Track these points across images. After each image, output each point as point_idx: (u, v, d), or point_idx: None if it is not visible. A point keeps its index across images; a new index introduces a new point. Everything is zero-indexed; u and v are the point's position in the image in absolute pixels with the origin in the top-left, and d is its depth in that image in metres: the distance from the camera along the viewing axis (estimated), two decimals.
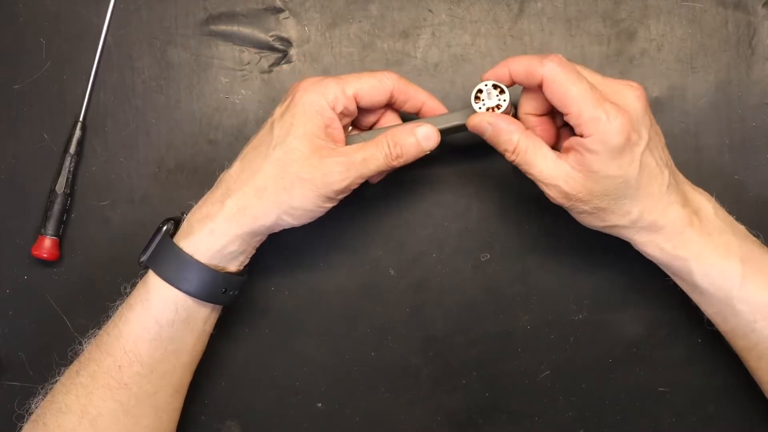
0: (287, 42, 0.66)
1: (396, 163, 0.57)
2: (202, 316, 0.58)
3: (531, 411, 0.66)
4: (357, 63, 0.66)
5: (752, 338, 0.56)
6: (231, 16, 0.66)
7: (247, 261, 0.59)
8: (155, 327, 0.56)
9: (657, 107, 0.65)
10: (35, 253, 0.65)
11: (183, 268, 0.56)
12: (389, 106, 0.60)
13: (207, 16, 0.66)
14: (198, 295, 0.56)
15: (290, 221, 0.57)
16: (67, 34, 0.66)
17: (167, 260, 0.57)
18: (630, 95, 0.53)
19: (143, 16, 0.66)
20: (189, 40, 0.66)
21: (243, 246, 0.57)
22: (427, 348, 0.66)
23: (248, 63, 0.66)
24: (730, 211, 0.58)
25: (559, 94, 0.53)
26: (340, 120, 0.57)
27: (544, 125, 0.58)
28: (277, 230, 0.58)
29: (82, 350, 0.59)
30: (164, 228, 0.58)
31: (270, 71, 0.66)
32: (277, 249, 0.65)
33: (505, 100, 0.57)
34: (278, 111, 0.57)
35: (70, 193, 0.65)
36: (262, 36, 0.66)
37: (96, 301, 0.63)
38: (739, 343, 0.58)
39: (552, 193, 0.55)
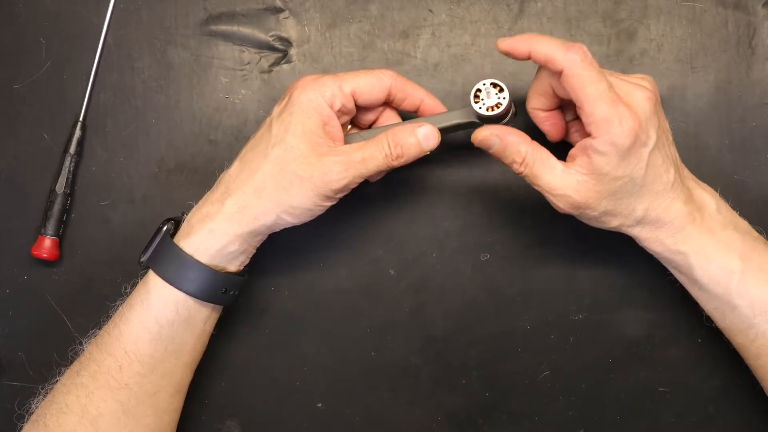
0: (287, 42, 0.66)
1: (396, 163, 0.57)
2: (202, 316, 0.58)
3: (531, 411, 0.66)
4: (357, 63, 0.66)
5: (750, 334, 0.56)
6: (231, 16, 0.66)
7: (247, 261, 0.59)
8: (156, 327, 0.56)
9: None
10: (35, 253, 0.65)
11: (183, 268, 0.56)
12: (388, 104, 0.60)
13: (207, 16, 0.66)
14: (198, 295, 0.56)
15: (290, 220, 0.57)
16: (67, 34, 0.66)
17: (167, 260, 0.57)
18: (640, 96, 0.53)
19: (143, 16, 0.66)
20: (189, 40, 0.66)
21: (243, 246, 0.57)
22: (427, 348, 0.66)
23: (248, 63, 0.66)
24: None
25: (577, 89, 0.52)
26: (339, 118, 0.57)
27: (552, 119, 0.58)
28: (277, 229, 0.58)
29: (83, 350, 0.59)
30: (164, 228, 0.58)
31: (270, 71, 0.66)
32: (277, 249, 0.65)
33: (504, 98, 0.57)
34: (276, 110, 0.57)
35: (70, 193, 0.65)
36: (262, 36, 0.66)
37: (96, 301, 0.63)
38: (738, 340, 0.58)
39: (561, 204, 0.55)
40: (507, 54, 0.55)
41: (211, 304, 0.58)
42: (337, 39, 0.66)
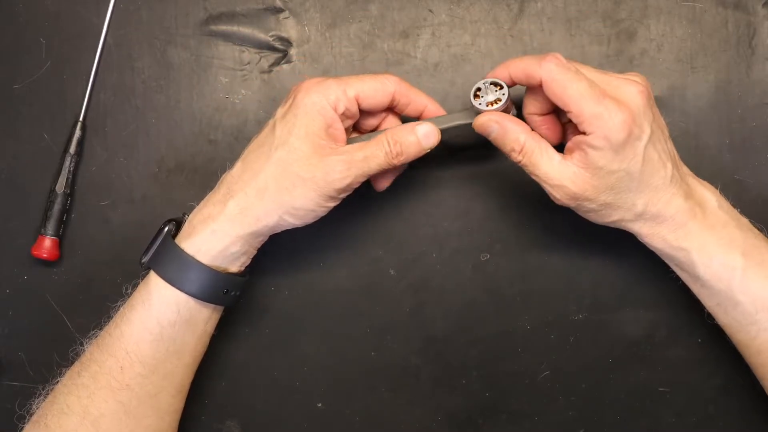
0: (287, 42, 0.66)
1: (396, 162, 0.57)
2: (203, 317, 0.58)
3: (531, 411, 0.66)
4: (357, 63, 0.66)
5: (752, 331, 0.56)
6: (231, 16, 0.66)
7: (248, 261, 0.59)
8: (157, 328, 0.56)
9: (657, 107, 0.65)
10: (35, 253, 0.65)
11: (185, 269, 0.56)
12: (391, 109, 0.60)
13: (207, 16, 0.66)
14: (200, 296, 0.56)
15: (292, 221, 0.57)
16: (67, 34, 0.66)
17: (169, 261, 0.56)
18: (631, 90, 0.54)
19: (143, 16, 0.66)
20: (189, 40, 0.66)
21: (245, 247, 0.57)
22: (427, 348, 0.66)
23: (248, 63, 0.66)
24: None
25: (559, 93, 0.53)
26: (342, 122, 0.57)
27: (548, 124, 0.58)
28: (279, 230, 0.58)
29: (84, 351, 0.59)
30: (166, 229, 0.58)
31: (270, 71, 0.66)
32: (278, 249, 0.65)
33: (504, 94, 0.57)
34: (280, 112, 0.57)
35: (70, 193, 0.65)
36: (262, 36, 0.66)
37: (96, 301, 0.63)
38: (739, 337, 0.58)
39: (558, 195, 0.55)
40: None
41: (213, 305, 0.58)
42: (337, 39, 0.66)
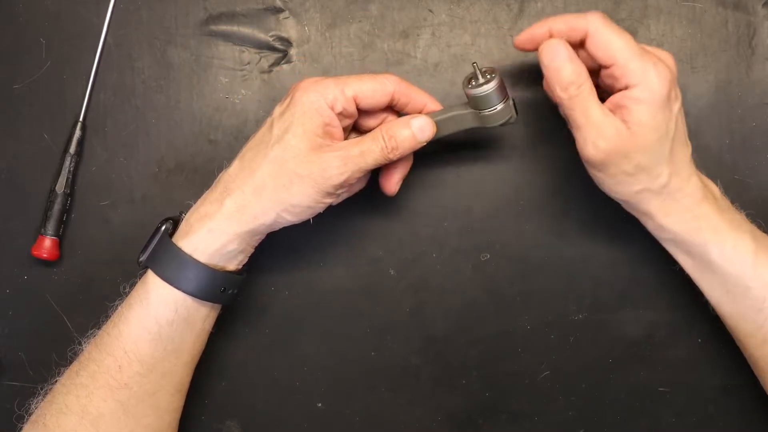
0: (287, 42, 0.66)
1: (392, 156, 0.57)
2: (201, 315, 0.58)
3: (531, 411, 0.66)
4: (357, 63, 0.66)
5: (759, 319, 0.56)
6: (231, 16, 0.66)
7: (245, 260, 0.59)
8: (155, 327, 0.56)
9: None
10: (35, 253, 0.65)
11: (182, 267, 0.56)
12: (390, 108, 0.60)
13: (207, 16, 0.66)
14: (197, 295, 0.56)
15: (290, 218, 0.57)
16: (67, 34, 0.66)
17: (166, 260, 0.57)
18: (666, 55, 0.56)
19: (143, 16, 0.66)
20: (189, 40, 0.66)
21: (242, 245, 0.57)
22: (427, 348, 0.66)
23: (248, 63, 0.66)
24: None
25: (605, 45, 0.53)
26: (340, 121, 0.57)
27: None
28: (276, 228, 0.58)
29: (82, 350, 0.59)
30: (163, 228, 0.58)
31: (270, 71, 0.66)
32: (277, 249, 0.65)
33: (493, 76, 0.57)
34: (277, 110, 0.57)
35: (70, 193, 0.65)
36: (262, 36, 0.66)
37: (96, 301, 0.63)
38: (743, 326, 0.57)
39: (602, 145, 0.53)
40: (524, 47, 0.57)
41: (210, 303, 0.58)
42: (337, 39, 0.66)
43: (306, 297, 0.66)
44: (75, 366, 0.58)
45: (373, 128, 0.61)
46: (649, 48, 0.55)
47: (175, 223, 0.59)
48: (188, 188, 0.66)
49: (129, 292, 0.58)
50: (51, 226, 0.65)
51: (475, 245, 0.66)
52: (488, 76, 0.57)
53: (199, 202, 0.58)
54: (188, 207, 0.59)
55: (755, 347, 0.58)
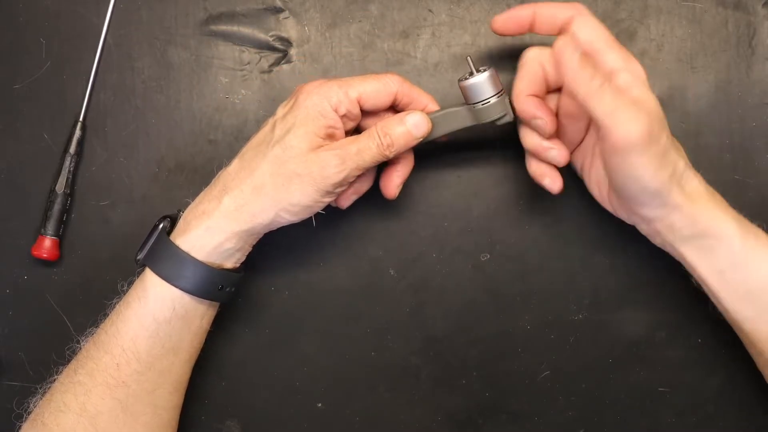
0: (287, 42, 0.66)
1: (389, 153, 0.57)
2: (199, 313, 0.58)
3: (531, 411, 0.66)
4: (357, 63, 0.66)
5: None
6: (231, 16, 0.66)
7: (243, 258, 0.59)
8: (153, 324, 0.56)
9: None
10: (35, 253, 0.65)
11: (180, 265, 0.56)
12: (393, 108, 0.60)
13: (207, 16, 0.66)
14: (195, 292, 0.57)
15: (288, 218, 0.57)
16: (67, 34, 0.66)
17: (164, 258, 0.57)
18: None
19: (143, 16, 0.66)
20: (189, 40, 0.66)
21: (239, 243, 0.57)
22: (427, 348, 0.66)
23: (248, 63, 0.66)
24: None
25: (589, 30, 0.54)
26: (345, 124, 0.57)
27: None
28: (274, 227, 0.58)
29: (80, 349, 0.59)
30: (160, 225, 0.58)
31: (270, 71, 0.66)
32: (277, 249, 0.65)
33: (486, 69, 0.57)
34: (280, 111, 0.58)
35: (70, 193, 0.65)
36: (262, 36, 0.66)
37: (96, 301, 0.63)
38: (757, 327, 0.55)
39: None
40: (503, 30, 0.57)
41: (208, 301, 0.58)
42: (337, 39, 0.66)
43: (306, 297, 0.66)
44: (73, 364, 0.58)
45: None
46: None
47: (173, 220, 0.59)
48: (188, 188, 0.66)
49: (127, 290, 0.59)
50: (51, 226, 0.65)
51: (475, 245, 0.66)
52: (481, 69, 0.57)
53: (197, 199, 0.58)
54: (186, 205, 0.59)
55: (763, 341, 0.56)
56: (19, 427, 0.59)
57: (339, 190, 0.57)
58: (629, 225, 0.59)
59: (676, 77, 0.65)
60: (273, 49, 0.66)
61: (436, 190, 0.66)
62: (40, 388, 0.59)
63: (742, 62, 0.65)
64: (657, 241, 0.58)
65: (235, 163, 0.57)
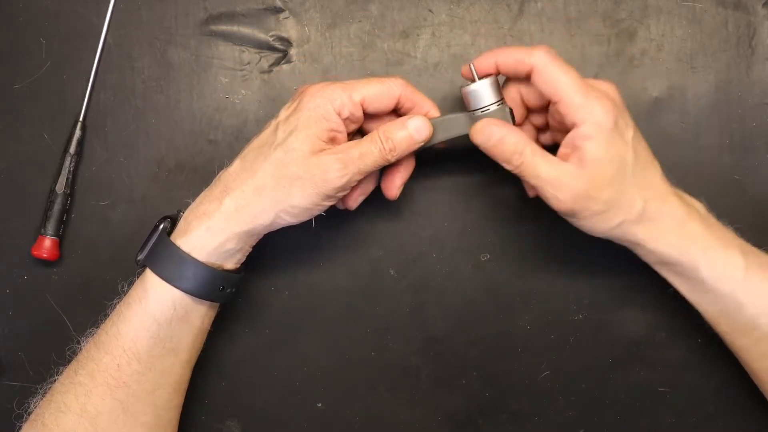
0: (287, 42, 0.66)
1: (390, 157, 0.57)
2: (199, 314, 0.58)
3: (531, 411, 0.66)
4: (357, 63, 0.66)
5: (754, 335, 0.56)
6: (231, 16, 0.66)
7: (243, 259, 0.59)
8: (154, 325, 0.56)
9: (657, 107, 0.65)
10: (35, 253, 0.65)
11: (181, 266, 0.56)
12: (395, 112, 0.60)
13: (207, 16, 0.66)
14: (196, 293, 0.57)
15: (289, 219, 0.57)
16: (67, 34, 0.66)
17: (165, 259, 0.57)
18: (607, 86, 0.56)
19: (143, 16, 0.66)
20: (189, 40, 0.66)
21: (240, 244, 0.57)
22: (427, 348, 0.66)
23: (248, 63, 0.66)
24: (731, 211, 0.59)
25: (551, 82, 0.54)
26: (347, 126, 0.57)
27: (524, 129, 0.60)
28: (274, 229, 0.58)
29: (80, 349, 0.59)
30: (161, 226, 0.58)
31: (270, 71, 0.66)
32: (277, 249, 0.65)
33: (489, 76, 0.57)
34: (283, 113, 0.58)
35: (70, 193, 0.65)
36: (262, 36, 0.66)
37: (96, 301, 0.63)
38: (741, 342, 0.57)
39: (562, 197, 0.54)
40: (471, 78, 0.57)
41: (208, 302, 0.58)
42: (337, 39, 0.66)
43: (306, 297, 0.66)
44: (73, 365, 0.58)
45: None
46: (591, 81, 0.56)
47: (173, 221, 0.59)
48: (188, 188, 0.66)
49: (127, 290, 0.59)
50: (51, 226, 0.65)
51: (475, 245, 0.66)
52: (484, 77, 0.57)
53: (198, 200, 0.58)
54: (186, 205, 0.59)
55: (754, 361, 0.58)
56: (20, 427, 0.59)
57: (341, 194, 0.57)
58: None
59: (676, 77, 0.65)
60: (273, 49, 0.66)
61: (436, 190, 0.66)
62: (41, 389, 0.59)
63: (742, 62, 0.65)
64: None
65: (237, 164, 0.57)
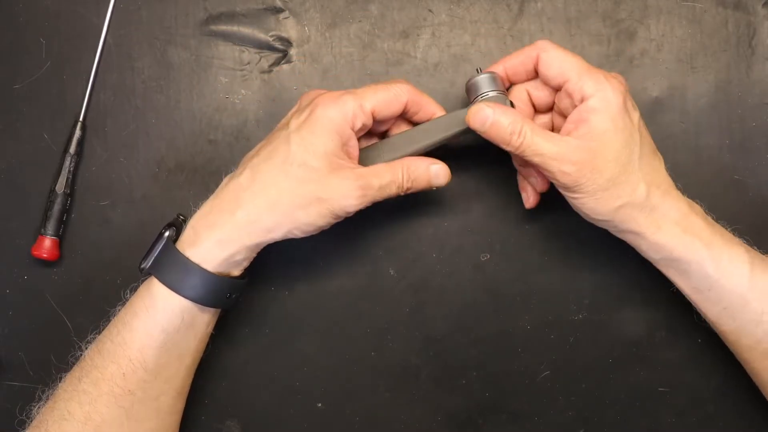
0: (287, 42, 0.66)
1: (404, 193, 0.58)
2: (205, 320, 0.58)
3: (531, 411, 0.66)
4: (357, 63, 0.66)
5: (758, 333, 0.56)
6: (231, 16, 0.66)
7: (248, 264, 0.59)
8: (162, 335, 0.56)
9: (657, 107, 0.65)
10: (35, 253, 0.65)
11: (190, 276, 0.56)
12: (401, 116, 0.60)
13: (207, 16, 0.66)
14: (205, 302, 0.56)
15: (298, 234, 0.57)
16: (67, 34, 0.66)
17: (173, 269, 0.56)
18: (616, 74, 0.57)
19: (143, 16, 0.66)
20: (189, 40, 0.66)
21: (248, 254, 0.57)
22: (427, 348, 0.66)
23: (248, 63, 0.66)
24: (731, 211, 0.59)
25: (558, 63, 0.55)
26: (357, 134, 0.57)
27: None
28: (281, 240, 0.57)
29: (82, 355, 0.58)
30: (166, 234, 0.57)
31: (270, 71, 0.66)
32: (277, 249, 0.64)
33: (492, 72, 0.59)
34: (294, 123, 0.57)
35: (70, 193, 0.65)
36: (262, 36, 0.66)
37: (96, 302, 0.63)
38: (744, 342, 0.57)
39: (567, 168, 0.54)
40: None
41: (214, 308, 0.58)
42: (337, 39, 0.66)
43: (306, 297, 0.66)
44: (77, 372, 0.57)
45: (383, 133, 0.61)
46: (600, 70, 0.57)
47: (176, 227, 0.58)
48: (188, 188, 0.66)
49: (129, 297, 0.58)
50: (51, 226, 0.65)
51: (475, 245, 0.66)
52: (486, 72, 0.58)
53: (205, 208, 0.58)
54: (186, 207, 0.59)
55: (756, 360, 0.58)
56: None
57: (351, 215, 0.57)
58: None
59: (676, 77, 0.65)
60: (273, 49, 0.66)
61: (436, 190, 0.66)
62: (43, 394, 0.58)
63: (742, 62, 0.65)
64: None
65: (247, 175, 0.57)
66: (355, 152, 0.57)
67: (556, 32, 0.65)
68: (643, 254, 0.58)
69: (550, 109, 0.60)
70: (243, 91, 0.66)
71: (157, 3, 0.66)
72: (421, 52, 0.66)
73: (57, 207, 0.65)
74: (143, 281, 0.58)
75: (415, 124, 0.61)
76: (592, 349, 0.66)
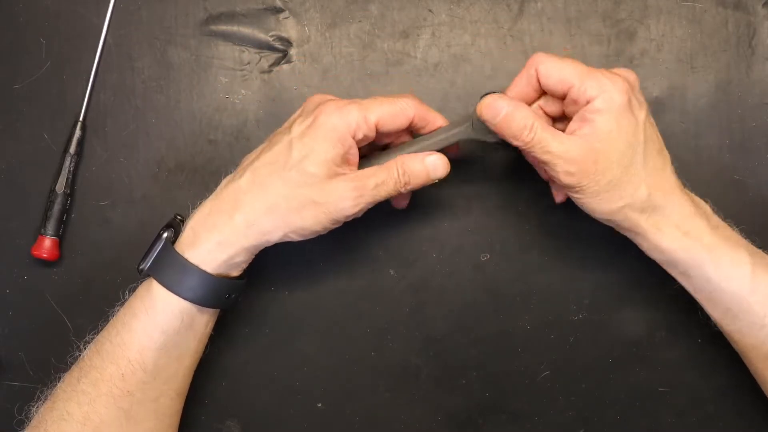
0: (287, 42, 0.66)
1: (403, 190, 0.57)
2: (204, 321, 0.58)
3: (531, 411, 0.66)
4: (357, 63, 0.66)
5: (761, 335, 0.56)
6: (231, 16, 0.66)
7: (246, 266, 0.59)
8: (162, 337, 0.56)
9: (657, 107, 0.65)
10: (35, 253, 0.65)
11: (189, 277, 0.56)
12: (407, 130, 0.60)
13: (207, 16, 0.66)
14: (204, 303, 0.56)
15: (295, 238, 0.57)
16: (67, 34, 0.66)
17: (173, 271, 0.56)
18: (622, 69, 0.56)
19: (143, 16, 0.66)
20: (189, 40, 0.66)
21: (247, 256, 0.57)
22: (427, 348, 0.66)
23: (248, 63, 0.66)
24: (731, 211, 0.59)
25: (556, 72, 0.55)
26: (358, 144, 0.57)
27: None
28: (279, 242, 0.57)
29: (81, 355, 0.58)
30: (165, 235, 0.58)
31: (270, 71, 0.66)
32: (277, 249, 0.64)
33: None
34: (297, 129, 0.57)
35: (70, 193, 0.65)
36: (262, 36, 0.66)
37: (96, 302, 0.63)
38: (746, 342, 0.57)
39: (572, 169, 0.54)
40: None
41: (213, 309, 0.58)
42: (337, 39, 0.66)
43: (306, 297, 0.66)
44: (75, 372, 0.57)
45: (386, 146, 0.61)
46: (612, 69, 0.56)
47: (174, 228, 0.58)
48: (188, 188, 0.66)
49: (128, 298, 0.58)
50: (51, 226, 0.65)
51: (475, 245, 0.66)
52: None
53: (204, 209, 0.58)
54: (186, 207, 0.59)
55: (758, 360, 0.58)
56: None
57: (350, 220, 0.57)
58: None
59: (676, 77, 0.65)
60: (273, 49, 0.66)
61: (436, 190, 0.66)
62: (42, 394, 0.59)
63: (742, 62, 0.65)
64: None
65: (247, 178, 0.57)
66: (355, 160, 0.57)
67: (556, 32, 0.65)
68: (646, 253, 0.58)
69: (561, 119, 0.60)
70: (243, 91, 0.66)
71: (157, 3, 0.66)
72: (421, 52, 0.66)
73: (57, 207, 0.65)
74: (142, 282, 0.58)
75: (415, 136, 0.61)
76: (592, 349, 0.66)
